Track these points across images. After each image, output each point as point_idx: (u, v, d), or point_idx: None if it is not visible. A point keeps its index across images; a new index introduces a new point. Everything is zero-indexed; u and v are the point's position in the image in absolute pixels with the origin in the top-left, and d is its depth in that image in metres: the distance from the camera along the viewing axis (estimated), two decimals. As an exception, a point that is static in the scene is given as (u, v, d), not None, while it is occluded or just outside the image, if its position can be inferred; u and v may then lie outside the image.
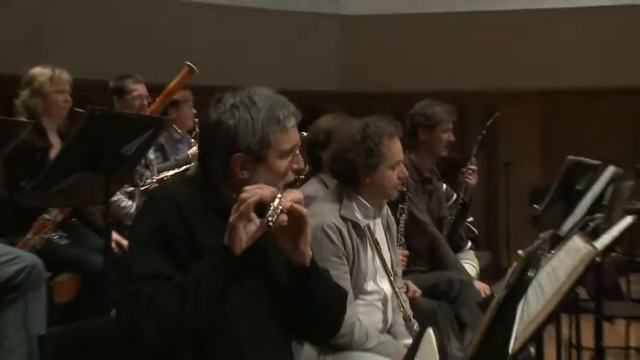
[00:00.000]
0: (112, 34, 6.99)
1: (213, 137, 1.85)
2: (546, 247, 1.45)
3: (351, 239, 2.66)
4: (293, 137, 1.88)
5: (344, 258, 2.64)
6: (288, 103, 1.90)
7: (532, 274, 1.34)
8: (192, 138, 4.75)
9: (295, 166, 1.91)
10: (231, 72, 6.99)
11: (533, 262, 1.35)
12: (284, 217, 1.76)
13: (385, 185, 2.77)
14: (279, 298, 1.89)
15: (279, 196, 1.78)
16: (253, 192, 1.74)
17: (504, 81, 8.13)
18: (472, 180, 3.93)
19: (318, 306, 1.92)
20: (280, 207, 1.73)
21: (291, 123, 1.88)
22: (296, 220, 1.79)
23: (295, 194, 1.81)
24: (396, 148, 2.77)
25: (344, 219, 2.67)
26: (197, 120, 4.14)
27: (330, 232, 2.61)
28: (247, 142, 1.83)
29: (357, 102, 8.45)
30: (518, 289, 1.32)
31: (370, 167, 2.73)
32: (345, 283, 2.60)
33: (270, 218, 1.71)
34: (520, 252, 1.28)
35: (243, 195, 1.73)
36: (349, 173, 2.74)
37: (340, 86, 8.47)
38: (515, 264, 1.30)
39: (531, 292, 1.59)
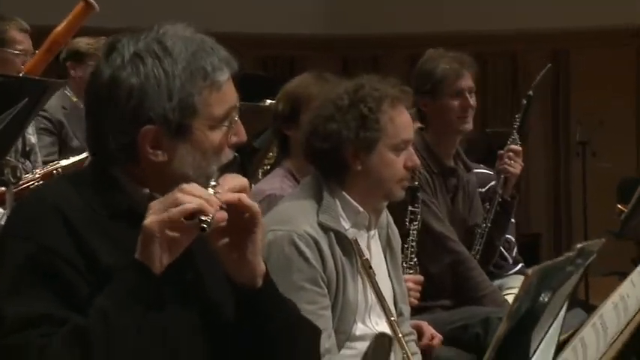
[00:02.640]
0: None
1: (108, 104, 1.87)
2: (582, 262, 1.48)
3: (334, 258, 2.68)
4: (228, 96, 1.91)
5: (324, 285, 2.66)
6: (217, 46, 1.92)
7: (545, 299, 1.37)
8: None
9: (234, 139, 1.93)
10: (168, 11, 7.00)
11: (548, 283, 1.38)
12: (223, 215, 1.80)
13: (385, 176, 2.75)
14: (220, 333, 1.92)
15: (212, 183, 1.82)
16: (194, 198, 1.77)
17: (578, 16, 8.17)
18: (513, 167, 3.93)
19: (275, 347, 1.94)
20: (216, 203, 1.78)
21: (224, 75, 1.90)
22: (240, 218, 1.84)
23: (236, 180, 1.85)
24: (402, 121, 2.78)
25: (323, 227, 2.69)
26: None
27: (302, 245, 2.64)
28: (161, 109, 1.85)
29: (356, 49, 8.48)
30: (525, 321, 1.34)
31: (363, 145, 2.73)
32: (325, 322, 2.62)
33: (204, 219, 1.75)
34: (529, 270, 1.31)
35: (180, 196, 1.77)
36: (331, 155, 2.76)
37: (329, 28, 8.50)
38: (520, 287, 1.33)
39: (590, 331, 1.61)
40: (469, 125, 3.81)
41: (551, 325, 1.50)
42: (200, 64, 1.87)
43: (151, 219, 1.76)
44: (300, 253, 2.63)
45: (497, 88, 8.77)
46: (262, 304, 1.91)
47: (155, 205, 1.78)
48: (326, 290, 2.66)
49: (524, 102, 4.07)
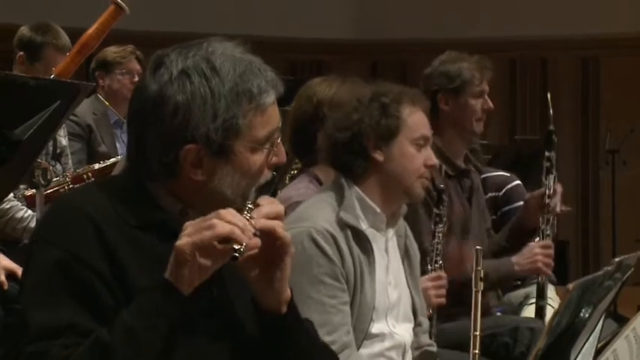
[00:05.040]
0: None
1: (153, 119, 1.87)
2: (620, 276, 1.46)
3: (352, 255, 2.69)
4: (272, 119, 1.91)
5: (343, 280, 2.67)
6: (265, 67, 1.92)
7: (586, 315, 1.36)
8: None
9: (274, 160, 1.94)
10: (199, 15, 7.04)
11: (588, 298, 1.37)
12: (256, 242, 1.81)
13: (406, 168, 2.77)
14: (243, 355, 1.92)
15: (249, 205, 1.82)
16: (228, 224, 1.77)
17: (608, 23, 8.12)
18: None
19: None
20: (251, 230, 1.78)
21: (270, 98, 1.90)
22: (271, 245, 1.85)
23: (272, 207, 1.86)
24: (421, 118, 2.82)
25: (341, 224, 2.71)
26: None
27: (321, 240, 2.65)
28: (204, 128, 1.85)
29: (385, 55, 8.47)
30: (565, 336, 1.33)
31: (384, 134, 2.77)
32: (345, 317, 2.64)
33: (237, 247, 1.75)
34: (570, 285, 1.30)
35: (215, 222, 1.77)
36: (352, 145, 2.76)
37: (358, 33, 8.50)
38: (560, 302, 1.32)
39: (622, 344, 1.60)
40: (481, 128, 3.82)
41: (588, 338, 1.49)
42: (247, 86, 1.87)
43: (184, 241, 1.76)
44: (320, 247, 2.64)
45: (526, 95, 8.73)
46: (284, 330, 1.91)
47: (189, 226, 1.78)
48: (345, 286, 2.67)
49: (551, 111, 4.02)
